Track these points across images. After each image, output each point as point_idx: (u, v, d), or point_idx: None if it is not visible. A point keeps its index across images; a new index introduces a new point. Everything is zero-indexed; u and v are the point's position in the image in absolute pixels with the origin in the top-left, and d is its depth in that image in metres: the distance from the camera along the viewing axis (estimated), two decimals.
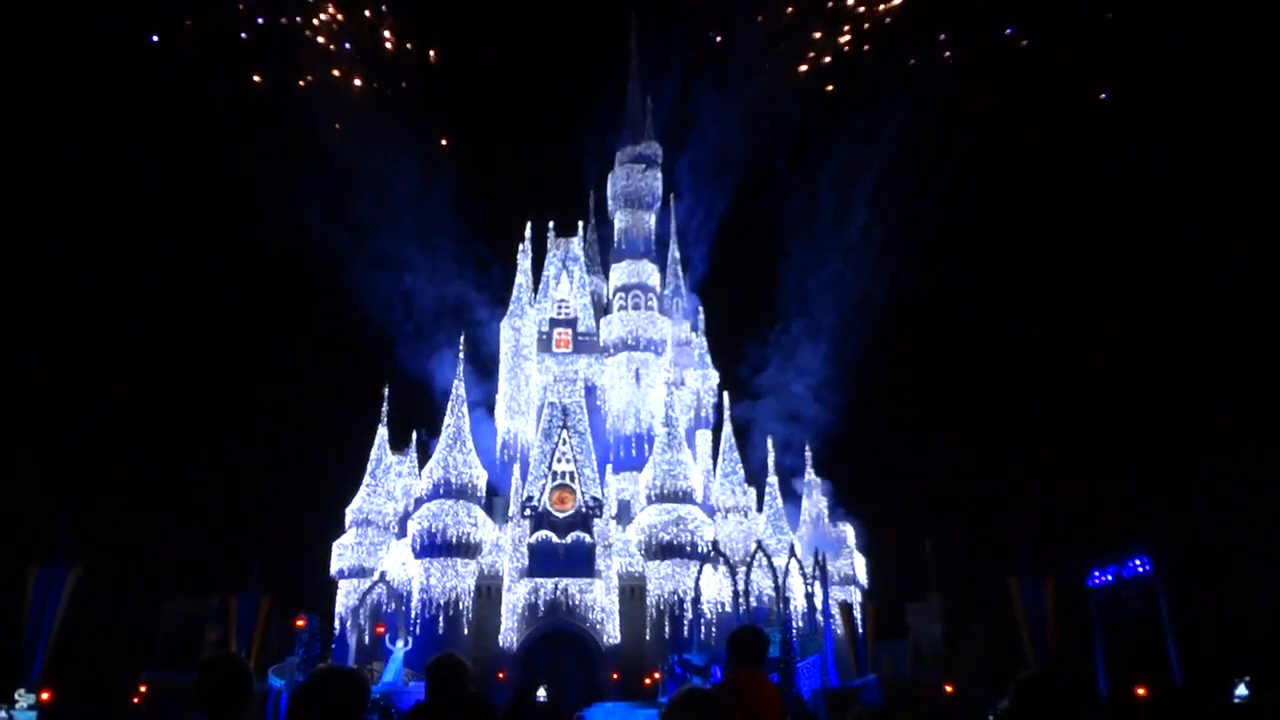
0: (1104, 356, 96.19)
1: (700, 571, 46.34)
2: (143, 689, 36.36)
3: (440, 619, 48.45)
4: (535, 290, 65.08)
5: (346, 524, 54.51)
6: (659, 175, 66.20)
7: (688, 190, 70.09)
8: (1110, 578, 36.63)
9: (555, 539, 50.39)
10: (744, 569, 44.24)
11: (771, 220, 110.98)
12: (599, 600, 49.69)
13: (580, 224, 69.32)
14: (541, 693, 38.92)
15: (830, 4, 37.84)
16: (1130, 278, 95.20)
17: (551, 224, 67.71)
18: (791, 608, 46.69)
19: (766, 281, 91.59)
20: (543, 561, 50.04)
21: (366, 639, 47.07)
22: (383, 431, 56.72)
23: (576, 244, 67.60)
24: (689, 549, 50.52)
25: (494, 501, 54.54)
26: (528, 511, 51.10)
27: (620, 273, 64.07)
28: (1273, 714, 5.51)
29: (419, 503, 51.88)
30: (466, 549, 49.99)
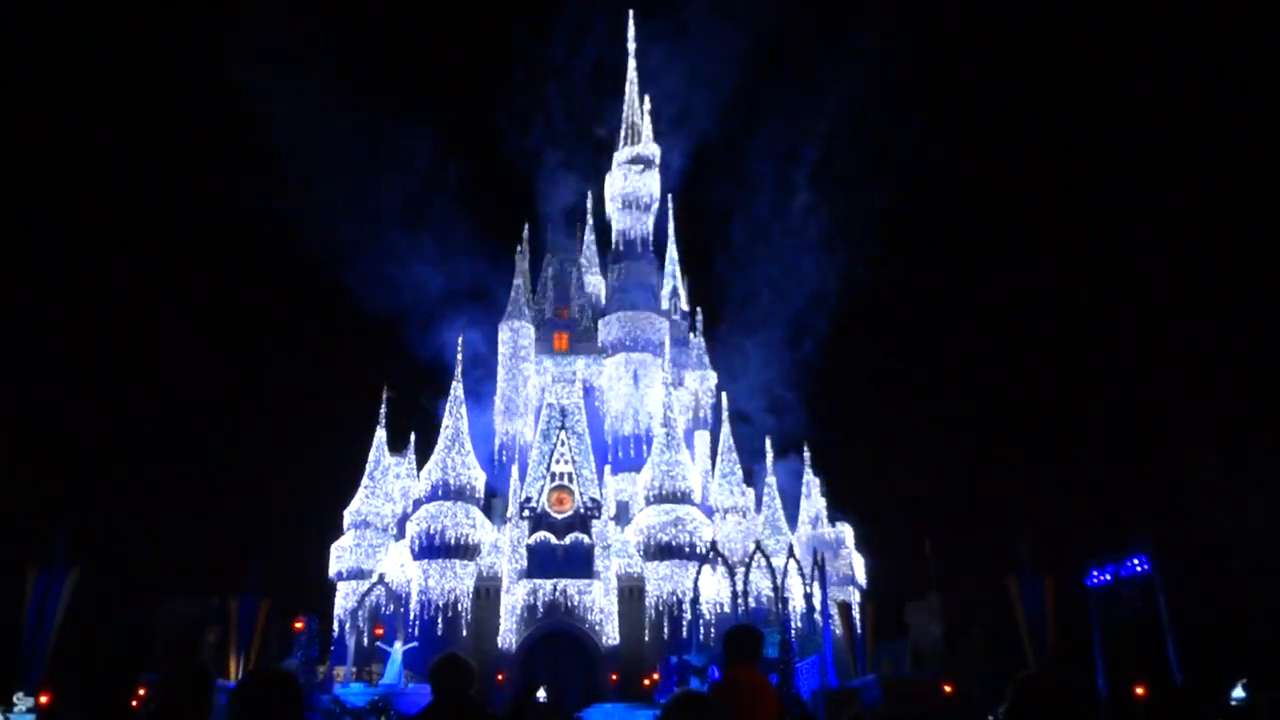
0: (1103, 355, 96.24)
1: (699, 572, 46.30)
2: (141, 691, 36.29)
3: (439, 620, 48.41)
4: (533, 291, 65.07)
5: (345, 526, 54.46)
6: (657, 176, 66.23)
7: (687, 186, 70.26)
8: (1109, 577, 36.54)
9: (554, 540, 50.36)
10: (742, 569, 44.20)
11: (769, 213, 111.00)
12: (598, 601, 49.66)
13: (578, 224, 69.39)
14: (541, 693, 38.92)
15: None
16: (1130, 275, 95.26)
17: (550, 224, 67.82)
18: (790, 608, 46.66)
19: (764, 275, 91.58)
20: (541, 563, 50.00)
21: (365, 641, 47.04)
22: (381, 433, 56.69)
23: (574, 244, 67.62)
24: (687, 550, 50.48)
25: (492, 503, 54.48)
26: (526, 513, 51.07)
27: (618, 274, 64.04)
28: (1269, 715, 5.50)
29: (417, 504, 51.85)
30: (465, 550, 49.94)
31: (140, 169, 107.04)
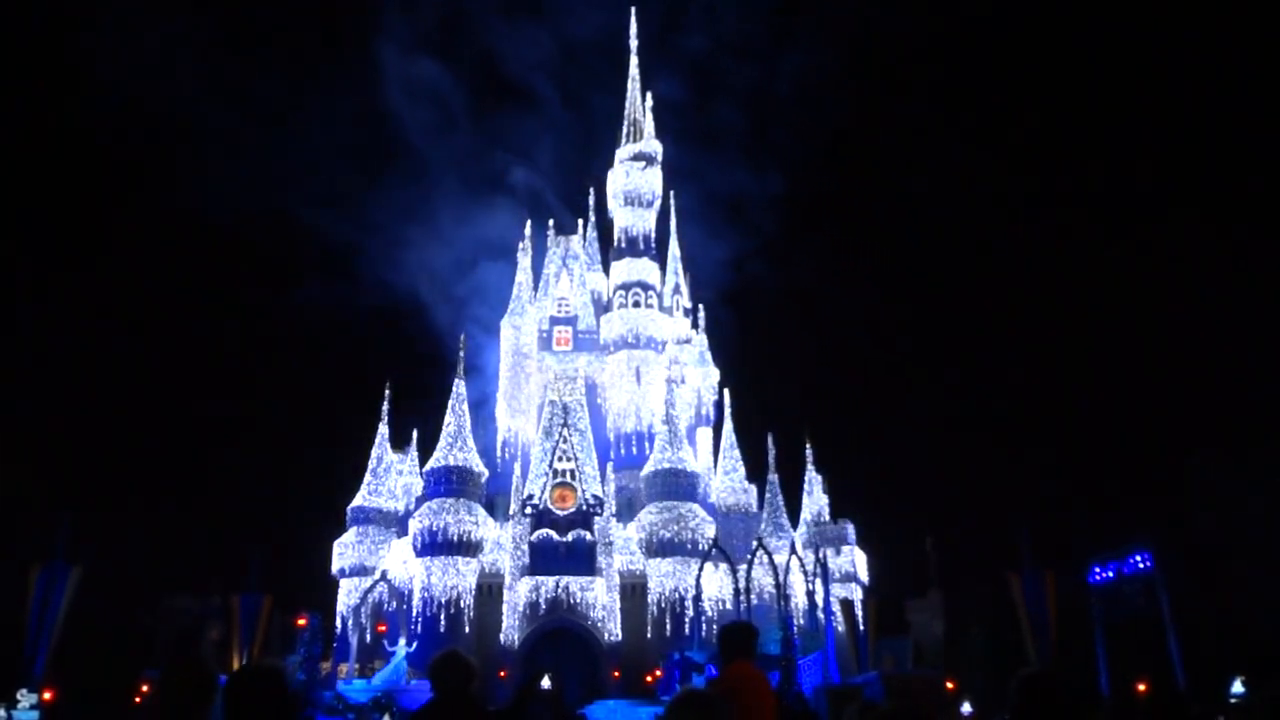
0: (1106, 353, 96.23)
1: (701, 569, 46.31)
2: (144, 688, 36.38)
3: (442, 617, 48.44)
4: (535, 289, 65.03)
5: (347, 522, 54.53)
6: (659, 173, 66.18)
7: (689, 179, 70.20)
8: (1111, 574, 36.51)
9: (556, 537, 50.37)
10: (745, 566, 44.21)
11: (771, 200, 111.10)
12: (600, 598, 49.67)
13: (580, 222, 69.34)
14: (546, 682, 38.92)
15: None
16: (1132, 275, 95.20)
17: (551, 222, 67.76)
18: (792, 605, 46.67)
19: (767, 267, 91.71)
20: (544, 559, 50.01)
21: (368, 638, 47.11)
22: (383, 429, 56.73)
23: (576, 242, 67.55)
24: (690, 546, 50.49)
25: (495, 500, 54.51)
26: (529, 510, 51.08)
27: (620, 271, 64.01)
28: (1268, 713, 5.51)
29: (420, 501, 51.89)
30: (467, 547, 49.97)
31: (138, 168, 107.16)
